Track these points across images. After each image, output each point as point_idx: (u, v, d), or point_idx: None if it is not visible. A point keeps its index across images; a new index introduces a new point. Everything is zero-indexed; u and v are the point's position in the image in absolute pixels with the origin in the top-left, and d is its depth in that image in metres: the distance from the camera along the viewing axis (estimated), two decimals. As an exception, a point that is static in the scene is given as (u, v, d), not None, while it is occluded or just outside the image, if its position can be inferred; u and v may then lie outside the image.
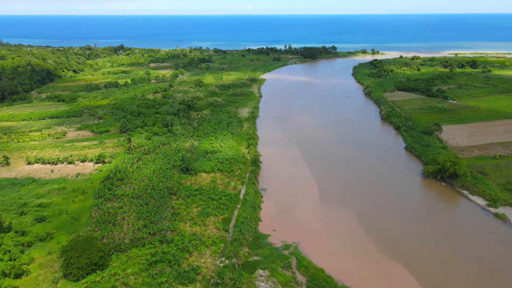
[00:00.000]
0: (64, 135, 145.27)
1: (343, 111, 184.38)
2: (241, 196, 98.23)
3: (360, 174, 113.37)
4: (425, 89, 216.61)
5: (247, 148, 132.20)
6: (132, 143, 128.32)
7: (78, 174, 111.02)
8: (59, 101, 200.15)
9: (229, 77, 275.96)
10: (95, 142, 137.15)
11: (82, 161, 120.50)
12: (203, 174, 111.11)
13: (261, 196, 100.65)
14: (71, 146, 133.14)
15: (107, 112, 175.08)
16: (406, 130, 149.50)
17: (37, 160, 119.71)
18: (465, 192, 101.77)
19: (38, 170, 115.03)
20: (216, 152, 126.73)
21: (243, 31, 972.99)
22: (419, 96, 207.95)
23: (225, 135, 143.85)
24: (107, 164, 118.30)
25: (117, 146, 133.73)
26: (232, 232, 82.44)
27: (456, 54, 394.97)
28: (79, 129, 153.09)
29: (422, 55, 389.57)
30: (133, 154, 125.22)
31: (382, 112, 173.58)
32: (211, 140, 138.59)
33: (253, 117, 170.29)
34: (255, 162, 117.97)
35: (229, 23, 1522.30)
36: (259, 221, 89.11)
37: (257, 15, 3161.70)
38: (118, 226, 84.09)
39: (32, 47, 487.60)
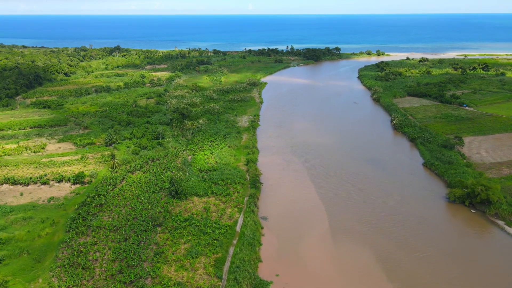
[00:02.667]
0: (43, 148, 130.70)
1: (351, 120, 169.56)
2: (237, 228, 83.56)
3: (375, 197, 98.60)
4: (437, 94, 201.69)
5: (246, 164, 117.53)
6: (116, 160, 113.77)
7: (51, 198, 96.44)
8: (44, 107, 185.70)
9: (228, 80, 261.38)
10: (76, 157, 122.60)
11: (58, 181, 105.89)
12: (195, 198, 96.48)
13: (262, 228, 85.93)
14: (48, 162, 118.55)
15: (94, 120, 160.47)
16: (422, 143, 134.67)
17: (7, 180, 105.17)
18: (500, 222, 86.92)
19: (6, 192, 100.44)
20: (211, 170, 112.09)
21: (244, 31, 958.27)
22: (432, 103, 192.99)
23: (221, 148, 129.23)
24: (86, 185, 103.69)
25: (100, 162, 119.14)
26: (226, 280, 67.78)
27: (465, 56, 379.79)
28: (60, 141, 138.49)
29: (429, 57, 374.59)
30: (116, 172, 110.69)
31: (394, 121, 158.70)
32: (206, 155, 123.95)
33: (253, 126, 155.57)
34: (255, 183, 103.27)
35: (230, 23, 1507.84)
36: (259, 262, 74.43)
37: (258, 15, 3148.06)
38: (88, 270, 69.40)
39: (26, 48, 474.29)
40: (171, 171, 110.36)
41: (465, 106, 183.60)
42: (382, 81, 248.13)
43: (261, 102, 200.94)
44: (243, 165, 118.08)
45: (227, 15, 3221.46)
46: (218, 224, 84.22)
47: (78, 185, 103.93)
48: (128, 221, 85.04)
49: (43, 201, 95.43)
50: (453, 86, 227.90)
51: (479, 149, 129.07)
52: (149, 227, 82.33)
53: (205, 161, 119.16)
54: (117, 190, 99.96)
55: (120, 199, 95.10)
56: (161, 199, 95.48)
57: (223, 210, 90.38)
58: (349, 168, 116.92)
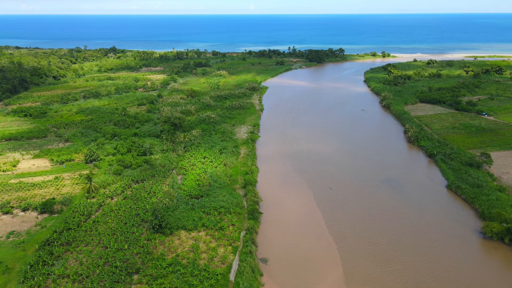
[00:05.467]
0: (14, 166, 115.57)
1: (360, 131, 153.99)
2: (231, 277, 68.29)
3: (395, 232, 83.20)
4: (452, 101, 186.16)
5: (244, 187, 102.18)
6: (93, 183, 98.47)
7: (11, 233, 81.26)
8: (25, 115, 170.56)
9: (227, 84, 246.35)
10: (50, 178, 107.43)
11: (24, 210, 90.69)
12: (182, 233, 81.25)
13: (261, 275, 70.57)
14: (17, 183, 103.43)
15: (77, 132, 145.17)
16: (443, 160, 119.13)
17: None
18: (551, 267, 71.54)
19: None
20: (202, 195, 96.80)
21: (245, 32, 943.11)
22: (448, 110, 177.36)
23: (216, 167, 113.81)
24: (55, 215, 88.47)
25: (76, 184, 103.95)
26: None
27: (475, 57, 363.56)
28: (36, 156, 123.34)
29: (436, 58, 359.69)
30: (93, 198, 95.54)
31: (409, 133, 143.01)
32: (198, 175, 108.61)
33: (252, 139, 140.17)
34: (253, 213, 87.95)
35: (231, 23, 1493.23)
36: (257, 327, 59.18)
37: (259, 15, 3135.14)
38: None
39: (20, 48, 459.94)
40: (157, 197, 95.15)
41: (484, 115, 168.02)
42: (391, 85, 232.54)
43: (262, 110, 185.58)
44: (240, 187, 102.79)
45: (228, 14, 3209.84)
46: (208, 270, 68.92)
47: (46, 215, 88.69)
48: (99, 266, 69.78)
49: (1, 237, 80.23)
50: (467, 91, 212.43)
51: (509, 167, 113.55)
52: (123, 277, 67.05)
53: (197, 182, 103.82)
54: (91, 222, 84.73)
55: (93, 235, 79.88)
56: (142, 234, 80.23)
57: (214, 250, 75.08)
58: (362, 192, 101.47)
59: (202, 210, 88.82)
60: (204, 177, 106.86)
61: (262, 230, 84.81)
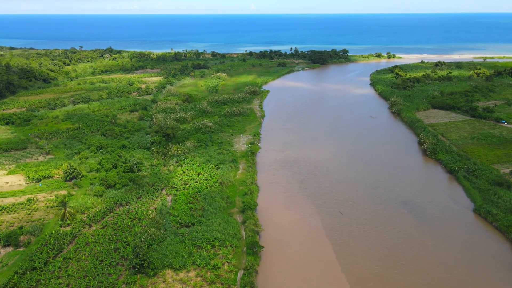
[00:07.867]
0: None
1: (369, 141, 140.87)
2: (226, 338, 55.43)
3: (423, 273, 70.15)
4: (467, 107, 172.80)
5: (242, 212, 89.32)
6: (69, 209, 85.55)
7: (-34, 274, 68.46)
8: (7, 123, 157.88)
9: (226, 87, 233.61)
10: (23, 199, 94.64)
11: (-14, 242, 77.96)
12: (169, 273, 68.38)
13: (262, 333, 57.77)
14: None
15: (60, 143, 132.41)
16: (466, 178, 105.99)
17: None
18: None
19: None
20: (194, 223, 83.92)
21: (245, 31, 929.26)
22: (463, 118, 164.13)
23: (211, 186, 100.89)
24: (20, 249, 75.64)
25: (51, 207, 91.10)
26: None
27: (484, 59, 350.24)
28: (11, 172, 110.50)
29: (443, 59, 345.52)
30: (68, 225, 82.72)
31: (425, 145, 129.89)
32: (191, 196, 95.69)
33: (252, 151, 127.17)
34: (253, 247, 74.99)
35: (231, 22, 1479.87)
36: None
37: (260, 14, 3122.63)
38: None
39: (14, 49, 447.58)
40: (141, 225, 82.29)
41: (504, 123, 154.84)
42: (399, 89, 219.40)
43: (263, 116, 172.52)
44: (238, 212, 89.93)
45: (229, 14, 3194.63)
46: (197, 329, 56.09)
47: (10, 249, 75.90)
48: (63, 323, 56.99)
49: (-48, 279, 67.44)
50: (481, 95, 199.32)
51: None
52: None
53: (189, 206, 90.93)
54: (61, 259, 71.80)
55: (62, 277, 66.99)
56: (120, 276, 67.33)
57: (206, 298, 62.25)
58: (378, 218, 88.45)
59: (193, 242, 75.95)
60: (197, 199, 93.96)
61: (263, 268, 71.82)
